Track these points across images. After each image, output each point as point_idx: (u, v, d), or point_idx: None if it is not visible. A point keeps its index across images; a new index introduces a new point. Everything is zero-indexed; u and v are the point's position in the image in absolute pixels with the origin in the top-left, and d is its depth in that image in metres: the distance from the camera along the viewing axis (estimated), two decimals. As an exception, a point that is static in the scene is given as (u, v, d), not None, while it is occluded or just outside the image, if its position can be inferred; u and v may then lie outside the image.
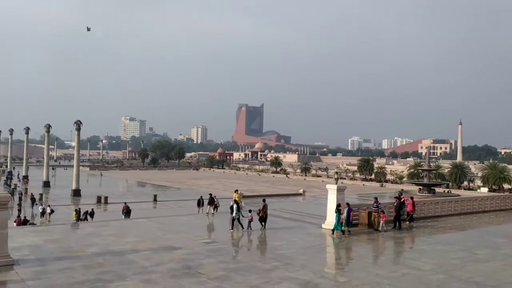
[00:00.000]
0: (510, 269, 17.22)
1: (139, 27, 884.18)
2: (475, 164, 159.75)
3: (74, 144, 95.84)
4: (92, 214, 38.85)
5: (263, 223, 25.53)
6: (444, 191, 72.67)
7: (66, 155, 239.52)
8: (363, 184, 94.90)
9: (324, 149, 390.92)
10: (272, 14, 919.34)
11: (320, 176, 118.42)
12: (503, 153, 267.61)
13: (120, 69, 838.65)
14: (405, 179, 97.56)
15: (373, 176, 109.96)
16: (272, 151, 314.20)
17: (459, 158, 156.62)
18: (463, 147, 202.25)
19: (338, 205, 24.65)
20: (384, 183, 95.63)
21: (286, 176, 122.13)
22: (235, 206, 25.16)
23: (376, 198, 27.61)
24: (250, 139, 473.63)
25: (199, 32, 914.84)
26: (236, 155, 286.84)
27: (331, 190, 26.23)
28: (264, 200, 26.68)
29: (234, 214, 25.05)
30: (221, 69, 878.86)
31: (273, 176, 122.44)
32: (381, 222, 25.72)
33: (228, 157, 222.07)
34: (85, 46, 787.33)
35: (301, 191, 66.89)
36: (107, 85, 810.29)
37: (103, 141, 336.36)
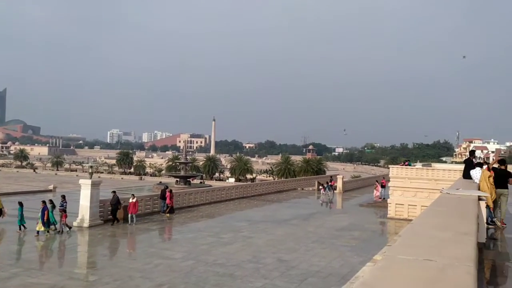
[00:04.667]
0: (247, 249, 19.68)
1: None
2: (225, 157, 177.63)
3: None
4: None
5: None
6: (199, 182, 78.25)
7: None
8: (122, 178, 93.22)
9: (80, 142, 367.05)
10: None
11: (75, 171, 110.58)
12: (247, 147, 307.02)
13: None
14: (163, 171, 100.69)
15: (132, 170, 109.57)
16: (17, 143, 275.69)
17: (212, 151, 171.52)
18: (216, 141, 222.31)
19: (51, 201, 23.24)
20: (143, 176, 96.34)
21: (34, 171, 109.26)
22: None
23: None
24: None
25: None
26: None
27: (85, 185, 24.76)
28: None
29: None
30: None
31: (17, 171, 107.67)
32: (62, 222, 22.56)
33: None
34: None
35: (51, 187, 60.81)
36: None
37: None
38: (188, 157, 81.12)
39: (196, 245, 20.24)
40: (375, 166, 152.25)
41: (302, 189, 51.73)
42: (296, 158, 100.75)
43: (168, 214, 29.15)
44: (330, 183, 49.29)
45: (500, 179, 11.20)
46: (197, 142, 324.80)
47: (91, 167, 28.71)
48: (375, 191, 43.17)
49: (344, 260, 17.69)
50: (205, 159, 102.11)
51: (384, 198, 39.99)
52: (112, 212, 25.41)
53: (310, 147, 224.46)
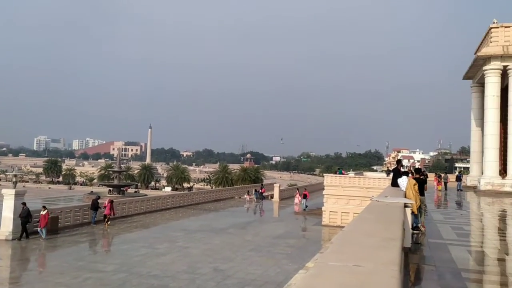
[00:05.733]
0: (184, 259, 19.32)
1: None
2: (161, 165, 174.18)
3: None
4: None
5: None
6: (134, 191, 75.90)
7: None
8: (49, 187, 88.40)
9: (4, 149, 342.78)
10: None
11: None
12: (184, 155, 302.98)
13: None
14: (95, 180, 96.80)
15: (61, 179, 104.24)
16: None
17: (148, 160, 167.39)
18: (152, 149, 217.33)
19: None
20: (73, 186, 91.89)
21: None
22: None
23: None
24: None
25: None
26: None
27: (8, 195, 23.15)
28: None
29: None
30: None
31: None
32: None
33: None
34: None
35: (-30, 197, 56.35)
36: None
37: None
38: (122, 165, 78.53)
39: (130, 256, 19.55)
40: (311, 174, 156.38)
41: (240, 197, 51.86)
42: (234, 167, 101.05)
43: (107, 224, 28.25)
44: (260, 191, 50.43)
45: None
46: (132, 150, 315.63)
47: (15, 176, 26.89)
48: (295, 199, 44.11)
49: (280, 268, 17.90)
50: (140, 168, 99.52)
51: (304, 209, 39.96)
52: (22, 225, 23.29)
53: (248, 155, 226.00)
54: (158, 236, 25.54)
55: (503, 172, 30.77)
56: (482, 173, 31.73)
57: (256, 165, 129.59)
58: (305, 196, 41.97)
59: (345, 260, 3.18)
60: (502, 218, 17.67)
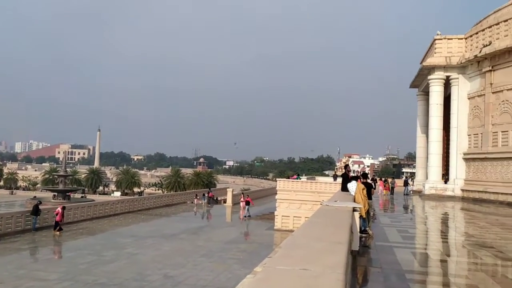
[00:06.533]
0: (132, 266, 18.76)
1: None
2: (111, 169, 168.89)
3: None
4: None
5: None
6: (81, 196, 73.09)
7: None
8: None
9: None
10: None
11: None
12: (135, 159, 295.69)
13: None
14: (39, 185, 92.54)
15: (2, 183, 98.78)
16: None
17: (96, 163, 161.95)
18: (101, 153, 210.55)
19: None
20: (15, 191, 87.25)
21: None
22: None
23: None
24: None
25: None
26: None
27: None
28: None
29: None
30: None
31: None
32: None
33: None
34: None
35: None
36: None
37: None
38: (68, 169, 75.59)
39: (75, 264, 18.74)
40: (264, 179, 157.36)
41: (192, 202, 51.28)
42: (187, 171, 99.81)
43: (58, 232, 27.12)
44: (208, 195, 50.83)
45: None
46: (79, 154, 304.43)
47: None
48: (241, 203, 44.24)
49: (232, 273, 17.80)
50: (88, 172, 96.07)
51: (246, 216, 38.60)
52: None
53: (201, 160, 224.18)
54: (105, 243, 24.68)
55: (445, 177, 32.35)
56: (427, 178, 33.18)
57: (209, 170, 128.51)
58: (248, 203, 40.56)
59: (292, 264, 3.16)
60: (444, 221, 18.54)
